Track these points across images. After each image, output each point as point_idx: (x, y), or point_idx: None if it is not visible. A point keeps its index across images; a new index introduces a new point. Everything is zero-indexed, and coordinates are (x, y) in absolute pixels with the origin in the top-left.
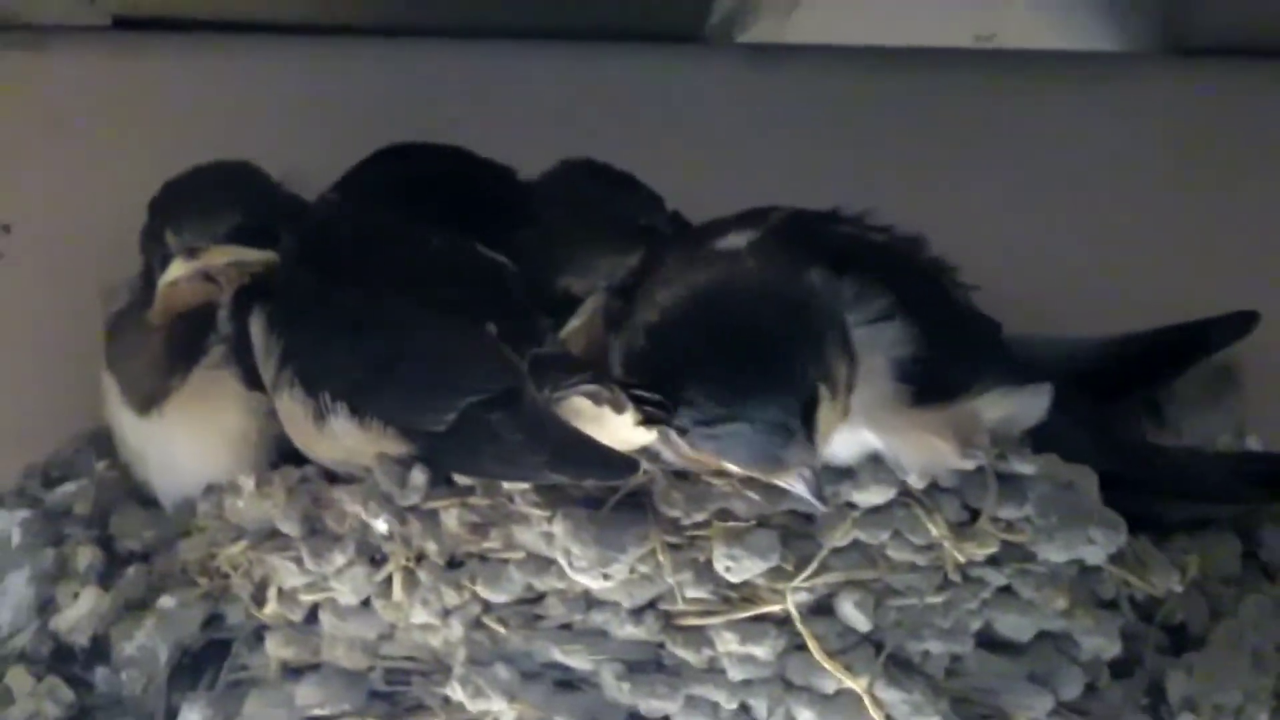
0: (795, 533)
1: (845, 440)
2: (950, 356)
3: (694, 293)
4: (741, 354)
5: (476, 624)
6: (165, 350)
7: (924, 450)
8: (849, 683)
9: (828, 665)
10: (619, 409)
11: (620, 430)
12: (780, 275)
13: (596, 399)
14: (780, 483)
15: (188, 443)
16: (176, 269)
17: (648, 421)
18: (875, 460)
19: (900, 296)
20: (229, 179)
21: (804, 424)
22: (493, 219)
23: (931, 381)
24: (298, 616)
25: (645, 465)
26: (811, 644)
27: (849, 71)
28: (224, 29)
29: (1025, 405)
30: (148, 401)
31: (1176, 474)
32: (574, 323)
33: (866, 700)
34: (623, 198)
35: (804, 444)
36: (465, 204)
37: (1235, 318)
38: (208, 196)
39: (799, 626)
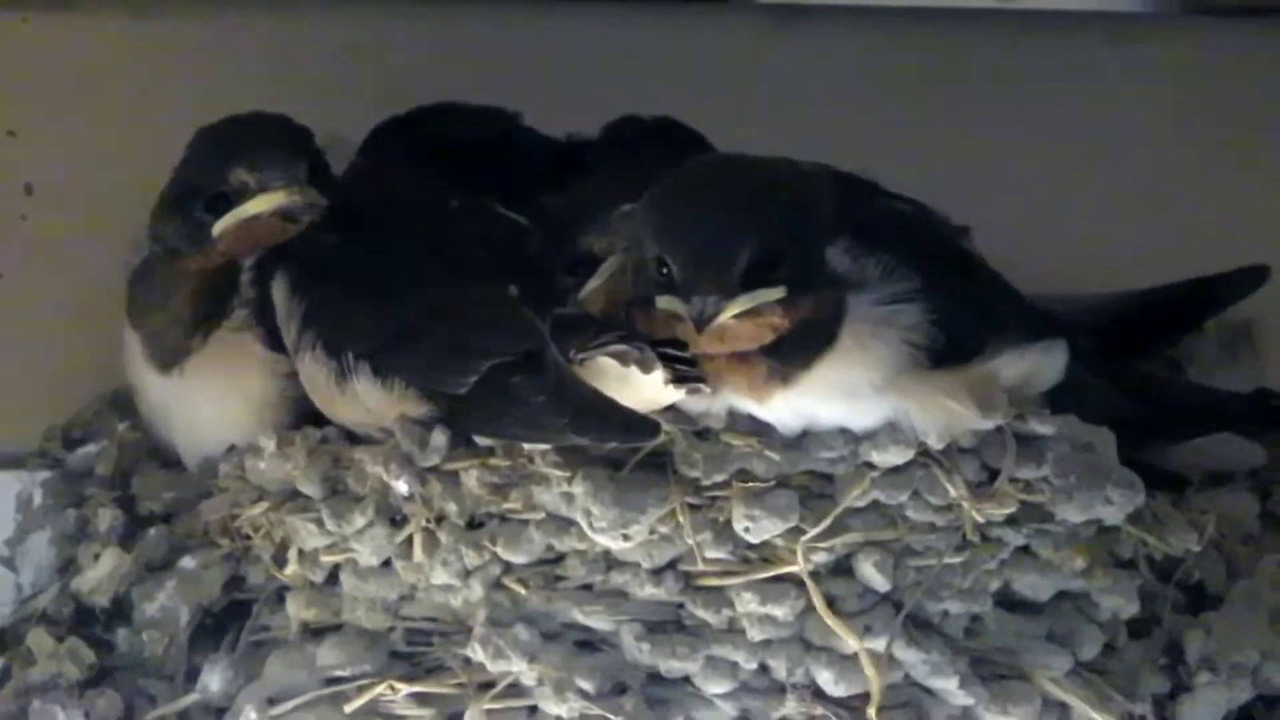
0: (814, 493)
1: (865, 407)
2: (968, 321)
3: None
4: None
5: (497, 585)
6: (188, 309)
7: (942, 414)
8: (854, 644)
9: (834, 626)
10: (648, 368)
11: (646, 390)
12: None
13: (625, 359)
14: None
15: (209, 403)
16: (269, 201)
17: (677, 380)
18: (894, 423)
19: (922, 270)
20: (292, 125)
21: None
22: (520, 181)
23: (949, 346)
24: (319, 577)
25: (666, 426)
26: (819, 603)
27: (871, 32)
28: None
29: (1042, 362)
30: (170, 359)
31: (1197, 406)
32: (593, 283)
33: (863, 657)
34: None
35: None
36: (493, 165)
37: (1246, 272)
38: (286, 138)
39: (809, 585)
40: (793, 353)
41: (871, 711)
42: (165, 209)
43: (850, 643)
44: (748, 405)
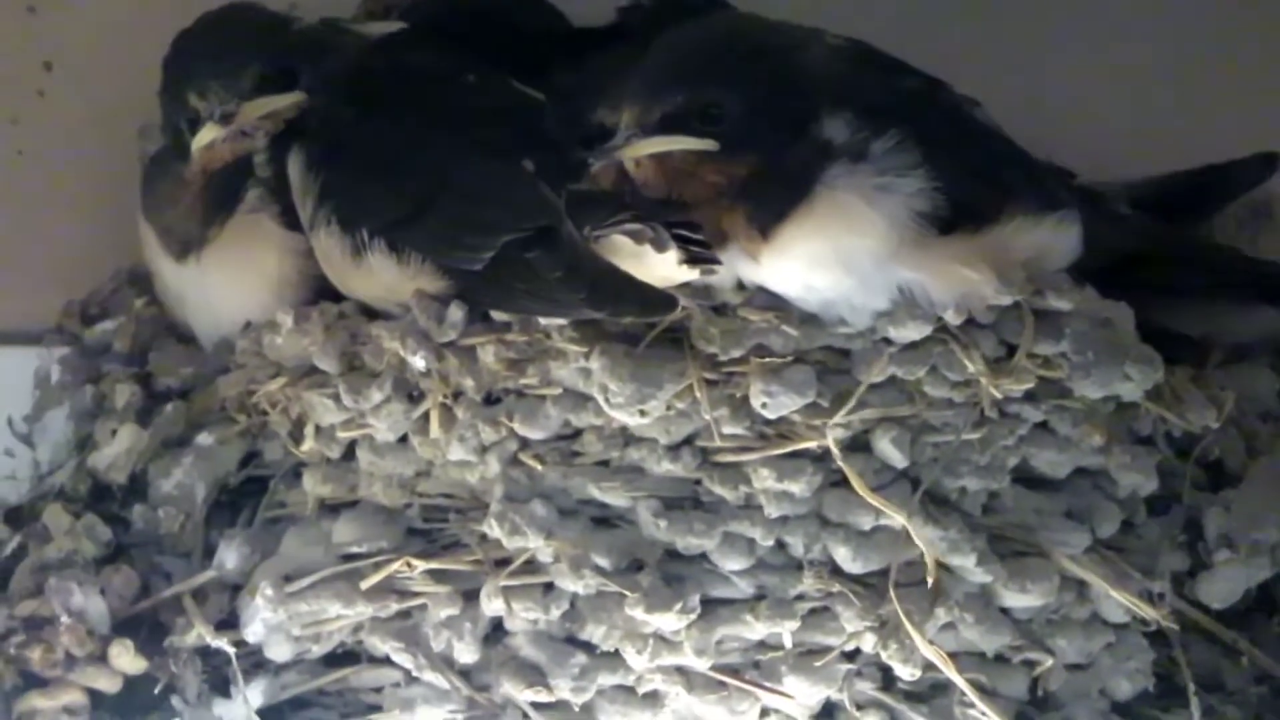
0: (832, 369)
1: (876, 280)
2: (976, 188)
3: None
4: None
5: (513, 460)
6: (202, 198)
7: (956, 281)
8: (892, 516)
9: (871, 499)
10: (661, 248)
11: (660, 268)
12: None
13: (638, 237)
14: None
15: (227, 286)
16: (209, 132)
17: (690, 260)
18: (908, 296)
19: (929, 142)
20: (242, 27)
21: None
22: (536, 56)
23: (957, 213)
24: (335, 453)
25: (683, 301)
26: (854, 479)
27: None
28: None
29: (1055, 235)
30: (185, 248)
31: (1230, 265)
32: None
33: (912, 531)
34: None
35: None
36: (509, 39)
37: (1258, 160)
38: (225, 51)
39: (840, 463)
40: (760, 204)
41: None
42: (164, 120)
43: (879, 518)
44: (747, 268)
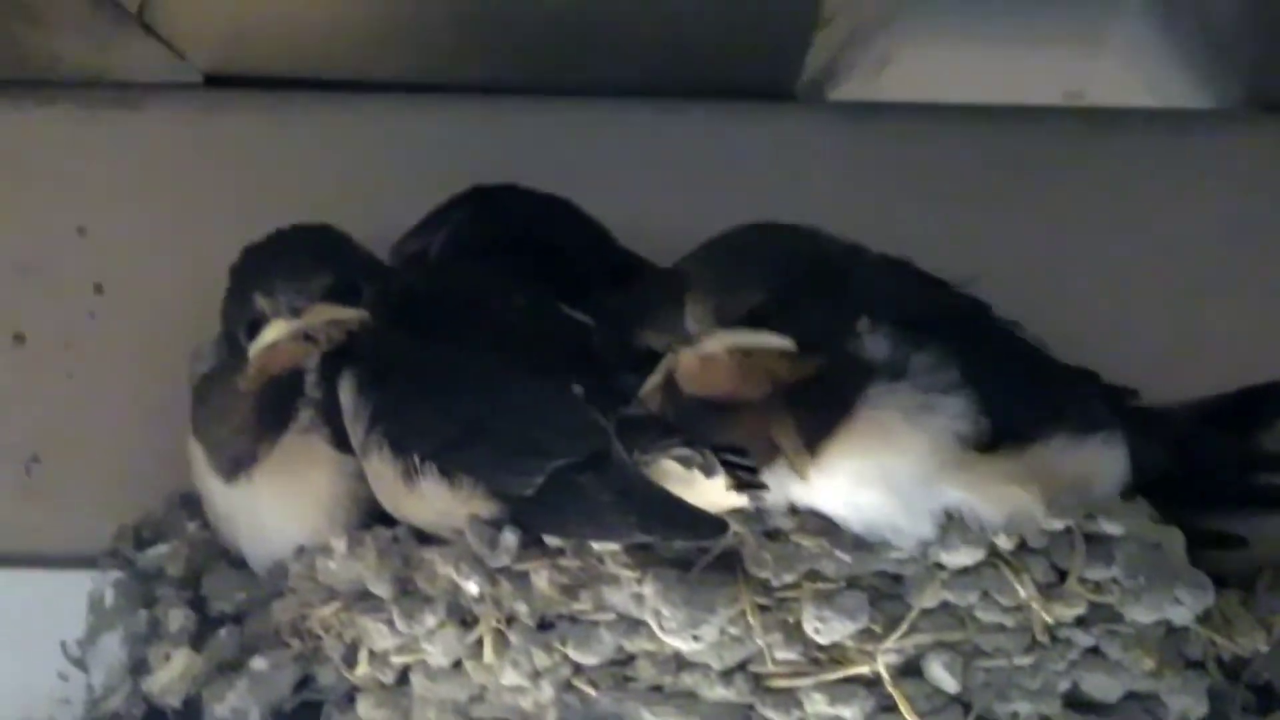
0: (884, 594)
1: (920, 501)
2: (1019, 410)
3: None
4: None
5: (567, 686)
6: (254, 416)
7: (1005, 500)
8: None
9: None
10: (709, 473)
11: (709, 493)
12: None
13: (687, 462)
14: None
15: (278, 507)
16: (277, 329)
17: (739, 486)
18: (959, 520)
19: (970, 361)
20: (315, 240)
21: None
22: (581, 277)
23: (998, 434)
24: (389, 678)
25: (735, 526)
26: (903, 705)
27: (938, 129)
28: (316, 86)
29: (1100, 455)
30: (235, 467)
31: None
32: (652, 380)
33: None
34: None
35: None
36: (554, 260)
37: None
38: (298, 258)
39: (889, 688)
40: (810, 411)
41: None
42: (222, 330)
43: None
44: (795, 488)
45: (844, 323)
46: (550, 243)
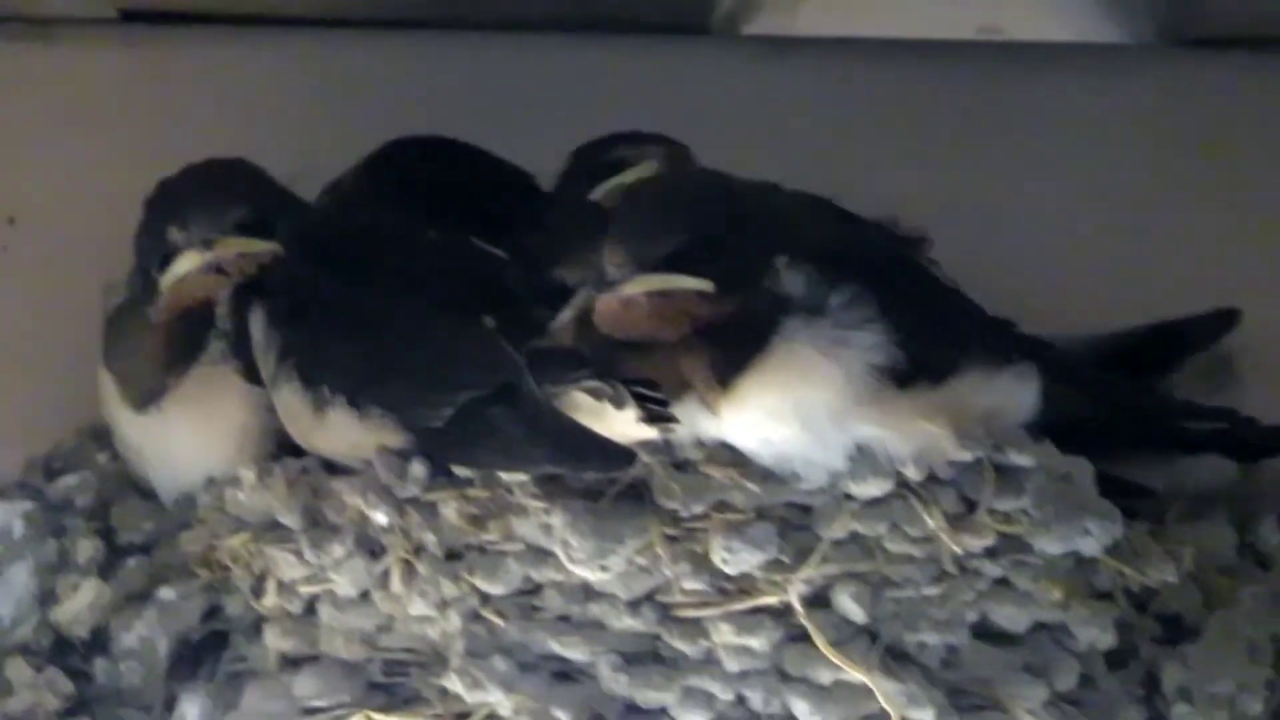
0: (793, 524)
1: (833, 436)
2: (932, 342)
3: None
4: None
5: (474, 616)
6: (164, 347)
7: (915, 435)
8: (854, 674)
9: (833, 657)
10: (619, 405)
11: (619, 425)
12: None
13: (597, 394)
14: None
15: (188, 438)
16: (188, 261)
17: (649, 419)
18: (869, 452)
19: (883, 295)
20: (228, 174)
21: None
22: (500, 219)
23: (914, 368)
24: (297, 608)
25: (644, 457)
26: (816, 636)
27: (853, 64)
28: (231, 22)
29: (1012, 390)
30: (146, 398)
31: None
32: (565, 315)
33: (872, 686)
34: None
35: None
36: (473, 205)
37: (1217, 316)
38: (211, 191)
39: (802, 619)
40: (724, 348)
41: None
42: (134, 263)
43: (838, 673)
44: (705, 422)
45: (762, 261)
46: (466, 177)
